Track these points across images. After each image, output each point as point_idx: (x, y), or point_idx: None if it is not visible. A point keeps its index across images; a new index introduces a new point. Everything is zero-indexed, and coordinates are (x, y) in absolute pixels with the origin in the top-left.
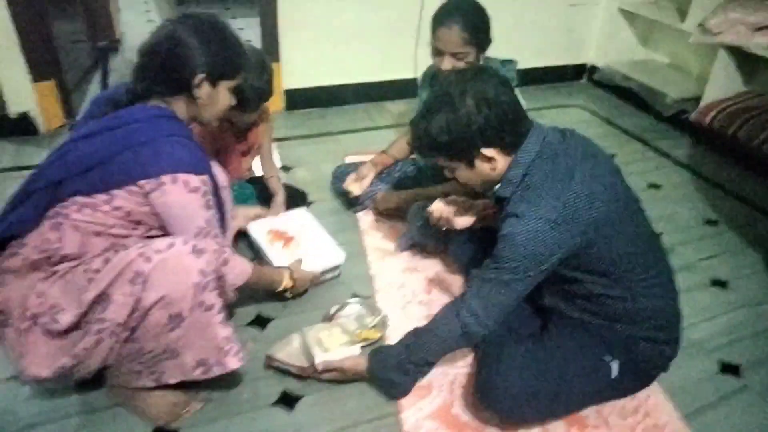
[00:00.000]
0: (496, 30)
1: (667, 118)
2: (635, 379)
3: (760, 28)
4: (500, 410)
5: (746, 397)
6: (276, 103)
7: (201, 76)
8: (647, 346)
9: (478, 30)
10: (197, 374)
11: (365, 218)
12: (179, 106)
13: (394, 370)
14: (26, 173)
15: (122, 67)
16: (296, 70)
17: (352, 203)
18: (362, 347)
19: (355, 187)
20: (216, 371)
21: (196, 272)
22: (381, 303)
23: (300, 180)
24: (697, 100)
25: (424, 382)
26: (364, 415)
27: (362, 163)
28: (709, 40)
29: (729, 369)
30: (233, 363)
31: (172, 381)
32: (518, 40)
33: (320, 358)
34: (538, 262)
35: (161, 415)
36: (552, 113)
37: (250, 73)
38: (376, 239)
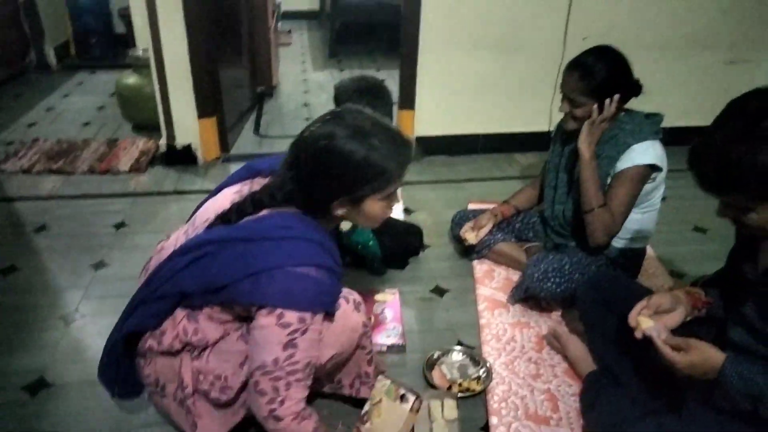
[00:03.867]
0: (646, 82)
1: None
2: None
3: None
4: None
5: None
6: None
7: (339, 201)
8: None
9: (602, 82)
10: (326, 388)
11: (480, 267)
12: (320, 217)
13: (746, 389)
14: (184, 197)
15: (275, 110)
16: (429, 117)
17: (468, 251)
18: (460, 398)
19: (471, 236)
20: (346, 392)
21: (362, 326)
22: (487, 355)
23: (420, 223)
24: None
25: None
26: None
27: (483, 210)
28: None
29: None
30: (365, 393)
31: None
32: (667, 96)
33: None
34: None
35: None
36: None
37: (376, 102)
38: (489, 289)
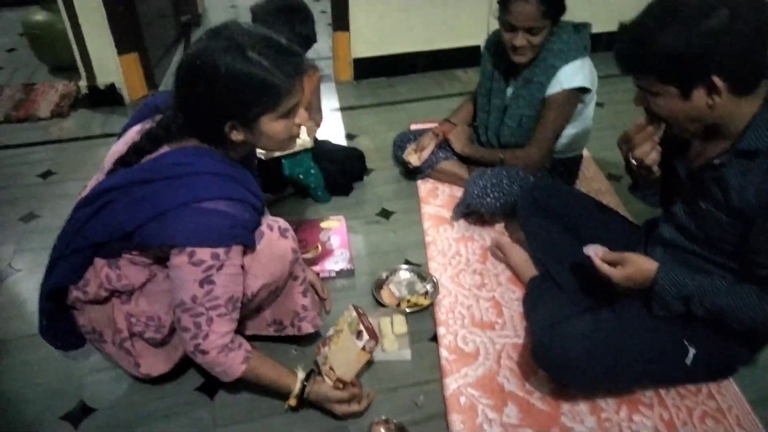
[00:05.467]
0: None
1: None
2: (710, 371)
3: None
4: (555, 370)
5: None
6: (345, 73)
7: (229, 124)
8: (735, 343)
9: (554, 1)
10: (271, 331)
11: (424, 186)
12: (223, 148)
13: (679, 292)
14: (113, 140)
15: None
16: (365, 38)
17: (412, 173)
18: (408, 313)
19: (414, 158)
20: (289, 332)
21: (291, 252)
22: (433, 270)
23: (363, 148)
24: None
25: (470, 349)
26: (407, 379)
27: (425, 130)
28: None
29: None
30: (307, 328)
31: (247, 333)
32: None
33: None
34: None
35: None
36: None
37: (294, 21)
38: (434, 207)
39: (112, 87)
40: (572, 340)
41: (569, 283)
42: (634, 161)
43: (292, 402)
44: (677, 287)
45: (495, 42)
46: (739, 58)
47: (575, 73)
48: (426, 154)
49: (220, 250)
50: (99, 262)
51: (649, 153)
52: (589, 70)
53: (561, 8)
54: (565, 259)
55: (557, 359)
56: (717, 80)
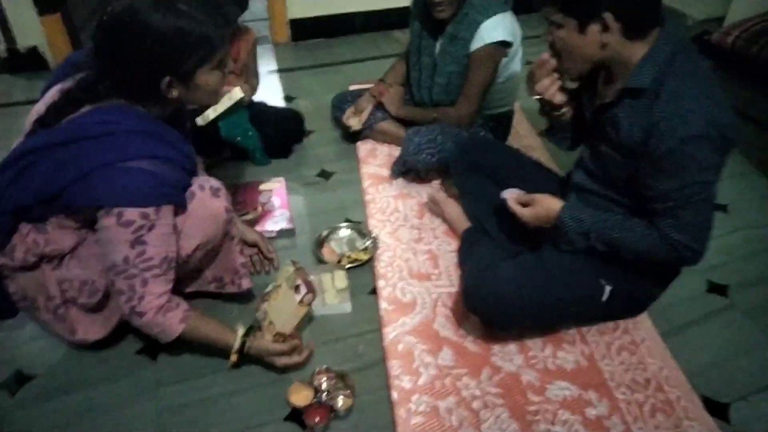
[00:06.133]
0: None
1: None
2: (625, 307)
3: None
4: (484, 311)
5: (730, 315)
6: (282, 34)
7: (166, 80)
8: (645, 279)
9: None
10: (212, 288)
11: (363, 147)
12: (150, 106)
13: (579, 228)
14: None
15: None
16: None
17: (353, 136)
18: (348, 268)
19: (354, 121)
20: (230, 289)
21: (224, 211)
22: (373, 227)
23: (302, 110)
24: (720, 20)
25: (408, 299)
26: (348, 330)
27: (363, 92)
28: None
29: (716, 289)
30: (247, 284)
31: (188, 290)
32: None
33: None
34: (720, 167)
35: None
36: None
37: None
38: (373, 167)
39: (34, 50)
40: (499, 283)
41: (498, 231)
42: (536, 98)
43: (233, 358)
44: (577, 223)
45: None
46: (631, 0)
47: (495, 27)
48: (365, 116)
49: (149, 210)
50: (25, 227)
51: (549, 87)
52: (510, 24)
53: None
54: (495, 211)
55: (485, 302)
56: (609, 18)
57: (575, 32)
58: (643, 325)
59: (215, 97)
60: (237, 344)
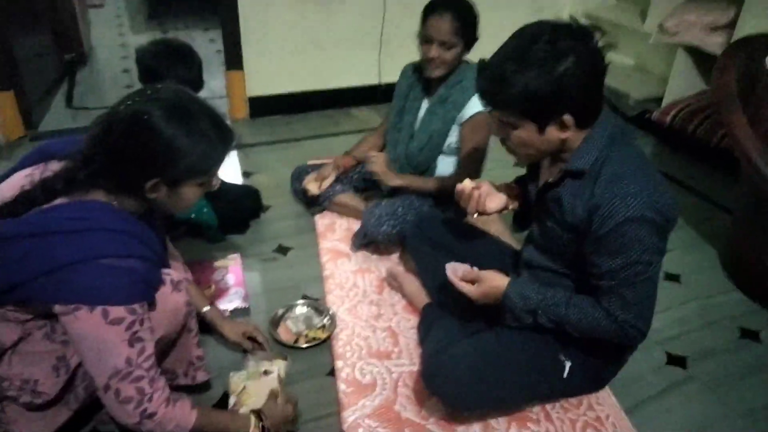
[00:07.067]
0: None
1: (630, 119)
2: (586, 383)
3: (714, 29)
4: (444, 394)
5: (691, 387)
6: (240, 111)
7: (154, 181)
8: (603, 354)
9: (468, 24)
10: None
11: (322, 221)
12: (128, 203)
13: (525, 306)
14: None
15: (90, 80)
16: (260, 77)
17: (310, 203)
18: (307, 348)
19: (314, 186)
20: (182, 381)
21: (184, 305)
22: (331, 304)
23: (260, 185)
24: (659, 100)
25: (368, 380)
26: (305, 415)
27: (322, 164)
28: (668, 40)
29: (676, 361)
30: (202, 376)
31: None
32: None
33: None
34: (661, 247)
35: None
36: None
37: (179, 66)
38: (331, 241)
39: None
40: (456, 362)
41: (455, 308)
42: (474, 216)
43: None
44: (524, 300)
45: (412, 67)
46: (585, 98)
47: None
48: (327, 183)
49: (136, 306)
50: None
51: (477, 206)
52: None
53: (473, 29)
54: (451, 288)
55: (443, 384)
56: (567, 117)
57: (533, 132)
58: (606, 401)
59: (185, 210)
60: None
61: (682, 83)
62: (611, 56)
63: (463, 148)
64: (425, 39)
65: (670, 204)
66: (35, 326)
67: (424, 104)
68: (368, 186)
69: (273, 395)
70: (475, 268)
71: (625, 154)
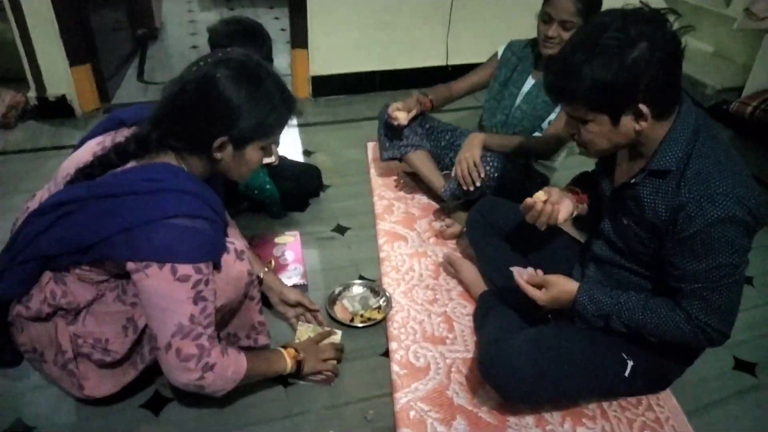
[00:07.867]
0: None
1: (705, 110)
2: (648, 383)
3: None
4: (500, 384)
5: (759, 396)
6: (303, 90)
7: (222, 139)
8: (672, 354)
9: (592, 3)
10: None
11: (380, 202)
12: (196, 165)
13: (598, 310)
14: (63, 152)
15: (160, 55)
16: (324, 56)
17: (394, 132)
18: (362, 327)
19: (402, 115)
20: (244, 344)
21: (246, 274)
22: (386, 286)
23: (320, 164)
24: (739, 90)
25: (422, 363)
26: (357, 394)
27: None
28: (755, 26)
29: (744, 366)
30: (263, 340)
31: None
32: None
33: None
34: (748, 248)
35: None
36: None
37: (250, 45)
38: (389, 223)
39: (62, 99)
40: (514, 355)
41: (515, 299)
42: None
43: (293, 366)
44: (596, 305)
45: (522, 43)
46: (661, 85)
47: None
48: (412, 115)
49: (202, 265)
50: (45, 276)
51: (549, 220)
52: None
53: (595, 11)
54: (511, 276)
55: (500, 374)
56: (643, 107)
57: (607, 125)
58: (667, 403)
59: (246, 175)
60: (290, 365)
61: (765, 73)
62: (688, 41)
63: (559, 120)
64: (546, 17)
65: (761, 203)
66: (108, 287)
67: (530, 79)
68: (451, 158)
69: (335, 348)
70: (540, 271)
71: (711, 148)
